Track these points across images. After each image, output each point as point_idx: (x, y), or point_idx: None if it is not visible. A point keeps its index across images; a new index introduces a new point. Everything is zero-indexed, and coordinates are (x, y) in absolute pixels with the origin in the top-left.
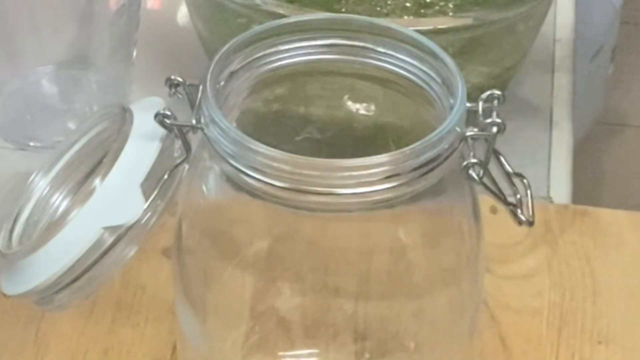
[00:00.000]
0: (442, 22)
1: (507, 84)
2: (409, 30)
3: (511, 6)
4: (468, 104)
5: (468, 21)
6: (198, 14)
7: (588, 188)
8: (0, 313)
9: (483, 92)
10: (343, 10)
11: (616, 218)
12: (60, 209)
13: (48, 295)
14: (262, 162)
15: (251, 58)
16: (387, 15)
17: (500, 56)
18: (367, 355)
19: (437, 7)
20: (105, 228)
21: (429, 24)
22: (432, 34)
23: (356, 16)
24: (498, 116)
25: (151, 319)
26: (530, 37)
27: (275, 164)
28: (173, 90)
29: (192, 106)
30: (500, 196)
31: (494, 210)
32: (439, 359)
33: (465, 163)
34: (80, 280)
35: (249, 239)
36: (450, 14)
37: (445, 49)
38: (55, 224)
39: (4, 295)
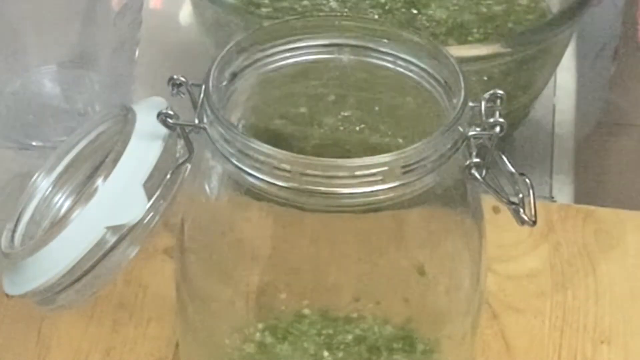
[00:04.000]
0: (470, 50)
1: (529, 109)
2: (410, 30)
3: (538, 35)
4: (470, 104)
5: (497, 49)
6: (205, 30)
7: (590, 188)
8: (2, 313)
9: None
10: None
11: (619, 218)
12: (63, 209)
13: (50, 295)
14: (264, 162)
15: (254, 58)
16: None
17: (530, 81)
18: (369, 355)
19: (470, 37)
20: (108, 228)
21: (457, 52)
22: (464, 62)
23: (358, 16)
24: (500, 116)
25: (153, 318)
26: (554, 64)
27: (277, 164)
28: (176, 90)
29: (194, 106)
30: (502, 196)
31: (496, 210)
32: (441, 359)
33: (467, 163)
34: (82, 280)
35: (251, 238)
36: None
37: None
38: (58, 224)
39: (6, 295)
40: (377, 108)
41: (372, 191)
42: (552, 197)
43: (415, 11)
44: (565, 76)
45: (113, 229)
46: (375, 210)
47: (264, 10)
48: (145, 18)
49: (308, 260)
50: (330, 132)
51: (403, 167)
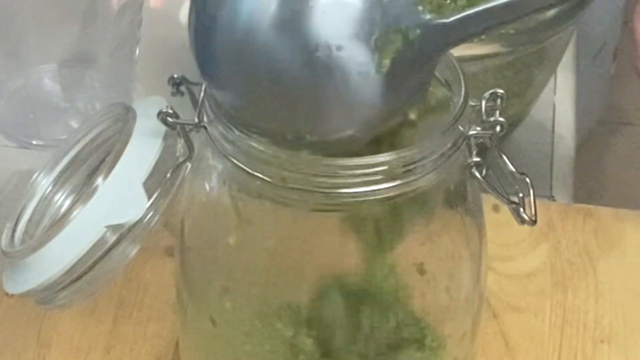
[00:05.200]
0: (470, 50)
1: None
2: None
3: (538, 35)
4: (471, 103)
5: (497, 48)
6: None
7: (590, 187)
8: (3, 312)
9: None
10: None
11: (618, 217)
12: (63, 208)
13: (50, 293)
14: (264, 161)
15: None
16: None
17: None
18: (369, 354)
19: None
20: (108, 227)
21: (457, 51)
22: (463, 61)
23: None
24: (501, 115)
25: (153, 317)
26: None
27: (277, 163)
28: (176, 88)
29: (194, 105)
30: (502, 195)
31: (496, 209)
32: (441, 358)
33: (468, 162)
34: (82, 279)
35: (251, 237)
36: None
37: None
38: (58, 223)
39: (7, 294)
40: None
41: (372, 190)
42: (552, 197)
43: None
44: (565, 76)
45: (113, 228)
46: (375, 209)
47: None
48: (145, 17)
49: (308, 260)
50: None
51: (403, 166)
